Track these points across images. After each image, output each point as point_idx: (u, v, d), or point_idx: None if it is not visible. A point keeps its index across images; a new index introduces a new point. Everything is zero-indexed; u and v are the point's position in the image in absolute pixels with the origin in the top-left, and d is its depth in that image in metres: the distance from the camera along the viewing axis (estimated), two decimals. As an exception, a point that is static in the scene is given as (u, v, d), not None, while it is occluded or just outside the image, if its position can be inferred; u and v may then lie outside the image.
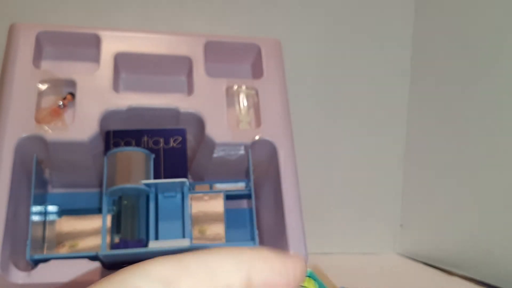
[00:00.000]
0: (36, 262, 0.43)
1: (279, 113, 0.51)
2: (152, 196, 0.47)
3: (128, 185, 0.45)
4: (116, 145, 0.49)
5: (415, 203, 0.65)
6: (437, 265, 0.59)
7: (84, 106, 0.47)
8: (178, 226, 0.47)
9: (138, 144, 0.49)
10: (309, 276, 0.21)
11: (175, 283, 0.17)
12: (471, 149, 0.55)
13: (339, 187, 0.66)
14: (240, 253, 0.18)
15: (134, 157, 0.46)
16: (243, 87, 0.52)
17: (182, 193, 0.47)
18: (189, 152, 0.51)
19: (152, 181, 0.46)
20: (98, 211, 0.49)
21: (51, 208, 0.49)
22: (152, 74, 0.54)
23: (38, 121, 0.46)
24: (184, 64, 0.53)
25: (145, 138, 0.50)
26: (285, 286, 0.18)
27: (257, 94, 0.52)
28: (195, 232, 0.47)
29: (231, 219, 0.51)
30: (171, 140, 0.50)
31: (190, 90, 0.52)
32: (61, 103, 0.48)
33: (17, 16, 0.57)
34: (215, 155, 0.50)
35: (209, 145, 0.49)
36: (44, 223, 0.48)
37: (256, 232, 0.47)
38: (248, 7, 0.64)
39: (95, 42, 0.51)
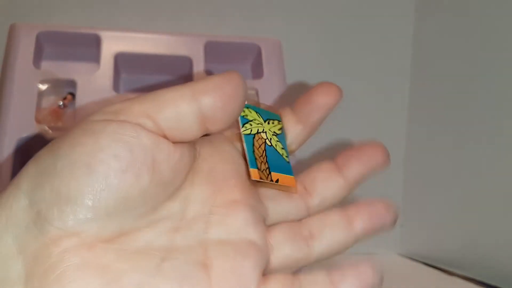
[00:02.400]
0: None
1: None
2: (152, 196, 0.47)
3: (128, 185, 0.45)
4: (116, 145, 0.49)
5: (415, 203, 0.65)
6: (437, 265, 0.59)
7: (84, 106, 0.47)
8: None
9: (138, 144, 0.49)
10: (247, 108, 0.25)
11: (125, 110, 0.19)
12: (471, 149, 0.55)
13: (339, 187, 0.65)
14: (182, 86, 0.20)
15: (134, 157, 0.46)
16: (243, 87, 0.52)
17: (182, 193, 0.47)
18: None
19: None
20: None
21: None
22: (152, 74, 0.54)
23: (38, 121, 0.46)
24: (184, 64, 0.53)
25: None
26: (232, 98, 0.20)
27: (257, 94, 0.52)
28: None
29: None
30: (171, 140, 0.50)
31: (190, 90, 0.52)
32: (61, 103, 0.48)
33: (17, 16, 0.57)
34: (215, 155, 0.50)
35: (209, 145, 0.49)
36: (44, 223, 0.48)
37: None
38: (248, 7, 0.64)
39: (95, 42, 0.51)
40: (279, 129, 0.26)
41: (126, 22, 0.61)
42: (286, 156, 0.26)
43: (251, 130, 0.24)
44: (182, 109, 0.20)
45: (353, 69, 0.67)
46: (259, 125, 0.25)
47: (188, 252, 0.20)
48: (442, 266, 0.58)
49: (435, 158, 0.62)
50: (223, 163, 0.23)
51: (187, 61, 0.52)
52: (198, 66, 0.52)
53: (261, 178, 0.23)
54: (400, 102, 0.68)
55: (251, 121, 0.25)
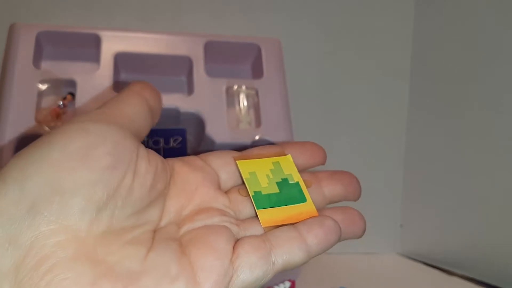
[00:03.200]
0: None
1: (279, 113, 0.51)
2: (152, 196, 0.47)
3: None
4: (116, 145, 0.49)
5: (415, 203, 0.65)
6: (437, 265, 0.59)
7: (84, 106, 0.47)
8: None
9: (138, 144, 0.49)
10: None
11: (111, 114, 0.22)
12: (471, 149, 0.55)
13: (339, 187, 0.65)
14: (129, 92, 0.24)
15: (134, 157, 0.46)
16: (243, 87, 0.52)
17: (182, 193, 0.47)
18: (189, 152, 0.51)
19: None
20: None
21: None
22: (152, 74, 0.54)
23: (38, 121, 0.46)
24: (184, 64, 0.53)
25: (145, 138, 0.50)
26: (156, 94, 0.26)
27: (257, 94, 0.52)
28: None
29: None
30: (171, 140, 0.50)
31: (190, 90, 0.52)
32: (61, 103, 0.48)
33: (17, 16, 0.57)
34: (215, 155, 0.50)
35: (209, 145, 0.49)
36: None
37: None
38: (248, 7, 0.64)
39: (95, 42, 0.51)
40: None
41: (126, 22, 0.61)
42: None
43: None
44: (141, 109, 0.24)
45: (353, 69, 0.67)
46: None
47: (167, 243, 0.21)
48: (442, 266, 0.58)
49: (434, 158, 0.62)
50: (194, 173, 0.25)
51: (187, 61, 0.52)
52: (198, 66, 0.52)
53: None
54: (400, 102, 0.68)
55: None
